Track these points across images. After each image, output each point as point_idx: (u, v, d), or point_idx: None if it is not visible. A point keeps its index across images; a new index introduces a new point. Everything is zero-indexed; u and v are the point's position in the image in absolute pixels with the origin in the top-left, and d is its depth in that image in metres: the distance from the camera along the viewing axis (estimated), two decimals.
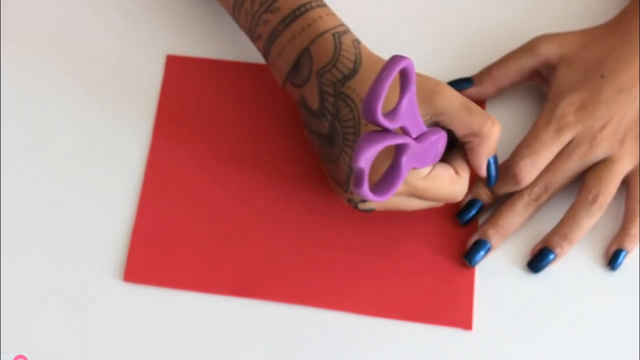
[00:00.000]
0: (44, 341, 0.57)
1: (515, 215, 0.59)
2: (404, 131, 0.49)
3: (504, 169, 0.58)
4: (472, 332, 0.57)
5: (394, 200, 0.54)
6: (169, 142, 0.62)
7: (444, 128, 0.53)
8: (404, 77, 0.46)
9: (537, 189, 0.58)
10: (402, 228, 0.60)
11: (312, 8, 0.56)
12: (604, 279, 0.59)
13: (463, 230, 0.60)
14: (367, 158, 0.45)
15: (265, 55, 0.58)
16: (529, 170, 0.58)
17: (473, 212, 0.60)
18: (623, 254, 0.58)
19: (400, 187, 0.51)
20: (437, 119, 0.53)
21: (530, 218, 0.59)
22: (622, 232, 0.59)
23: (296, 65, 0.56)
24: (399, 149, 0.48)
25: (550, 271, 0.59)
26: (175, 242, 0.59)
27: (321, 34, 0.55)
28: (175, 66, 0.65)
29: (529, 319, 0.58)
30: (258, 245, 0.59)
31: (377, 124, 0.46)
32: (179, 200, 0.60)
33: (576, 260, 0.59)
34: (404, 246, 0.59)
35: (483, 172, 0.56)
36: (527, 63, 0.61)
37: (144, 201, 0.60)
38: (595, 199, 0.57)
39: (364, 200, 0.55)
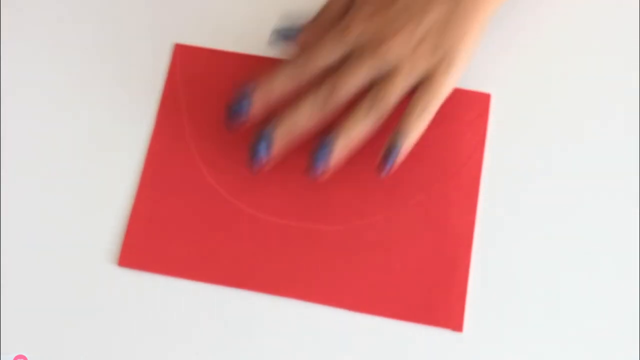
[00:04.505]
0: (35, 327, 0.58)
1: (299, 113, 0.58)
2: None
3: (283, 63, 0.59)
4: (462, 334, 0.56)
5: None
6: (171, 131, 0.62)
7: None
8: None
9: (323, 89, 0.58)
10: (396, 226, 0.59)
11: None
12: (601, 279, 0.57)
13: (460, 230, 0.58)
14: None
15: None
16: (305, 61, 0.58)
17: (242, 108, 0.59)
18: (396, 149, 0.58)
19: None
20: None
21: (321, 123, 0.58)
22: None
23: None
24: None
25: (546, 274, 0.57)
26: (173, 229, 0.60)
27: None
28: (183, 56, 0.64)
29: (521, 323, 0.57)
30: (254, 237, 0.59)
31: None
32: (179, 188, 0.61)
33: (571, 261, 0.58)
34: (398, 245, 0.59)
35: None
36: None
37: (143, 187, 0.61)
38: (371, 105, 0.58)
39: None
